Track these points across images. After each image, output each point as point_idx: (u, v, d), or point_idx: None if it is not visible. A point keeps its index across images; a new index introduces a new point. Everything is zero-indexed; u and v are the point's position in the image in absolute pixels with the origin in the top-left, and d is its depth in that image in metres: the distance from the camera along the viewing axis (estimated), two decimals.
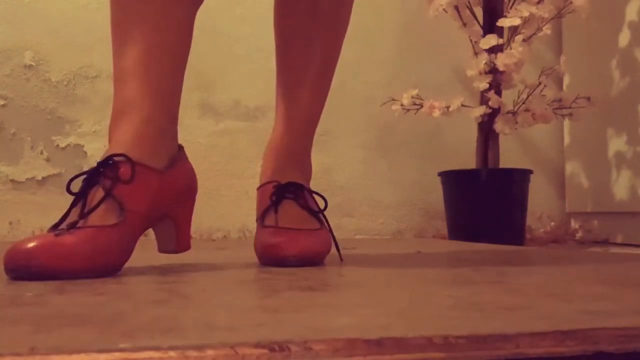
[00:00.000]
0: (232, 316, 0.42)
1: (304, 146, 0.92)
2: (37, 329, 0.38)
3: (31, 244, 0.61)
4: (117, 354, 0.32)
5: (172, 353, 0.32)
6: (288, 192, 0.83)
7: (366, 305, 0.47)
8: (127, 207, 0.67)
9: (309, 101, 0.91)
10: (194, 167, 0.78)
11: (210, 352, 0.32)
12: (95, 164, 0.68)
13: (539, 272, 0.68)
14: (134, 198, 0.68)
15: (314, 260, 0.78)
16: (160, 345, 0.32)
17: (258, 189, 0.87)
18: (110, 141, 0.72)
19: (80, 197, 0.67)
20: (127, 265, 0.70)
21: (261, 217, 0.82)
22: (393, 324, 0.37)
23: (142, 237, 1.68)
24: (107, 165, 0.68)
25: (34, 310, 0.46)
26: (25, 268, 0.61)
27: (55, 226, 0.66)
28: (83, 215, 0.65)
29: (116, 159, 0.68)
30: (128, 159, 0.68)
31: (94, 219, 0.65)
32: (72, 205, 0.67)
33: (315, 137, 1.01)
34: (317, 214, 0.83)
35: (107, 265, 0.66)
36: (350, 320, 0.39)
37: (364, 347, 0.30)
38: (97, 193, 0.67)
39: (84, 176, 0.69)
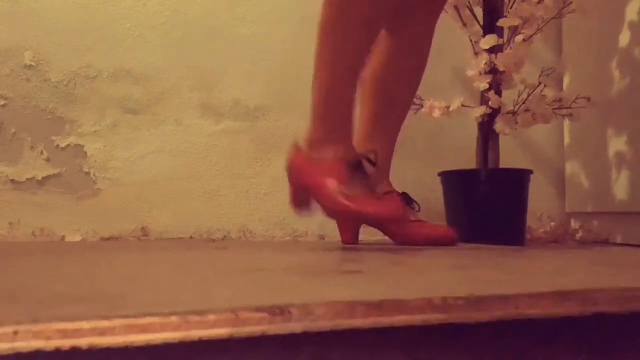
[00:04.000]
0: (232, 291, 0.42)
1: None
2: (38, 307, 0.38)
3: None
4: (119, 320, 0.32)
5: (173, 318, 0.31)
6: None
7: (367, 282, 0.47)
8: None
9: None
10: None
11: (211, 317, 0.31)
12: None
13: (538, 260, 0.68)
14: None
15: None
16: (162, 311, 0.32)
17: None
18: None
19: None
20: (128, 259, 0.70)
21: None
22: (393, 291, 0.37)
23: (142, 238, 1.66)
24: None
25: (34, 293, 0.46)
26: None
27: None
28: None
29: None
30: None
31: None
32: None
33: None
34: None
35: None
36: (351, 291, 0.38)
37: (364, 309, 0.30)
38: None
39: None
